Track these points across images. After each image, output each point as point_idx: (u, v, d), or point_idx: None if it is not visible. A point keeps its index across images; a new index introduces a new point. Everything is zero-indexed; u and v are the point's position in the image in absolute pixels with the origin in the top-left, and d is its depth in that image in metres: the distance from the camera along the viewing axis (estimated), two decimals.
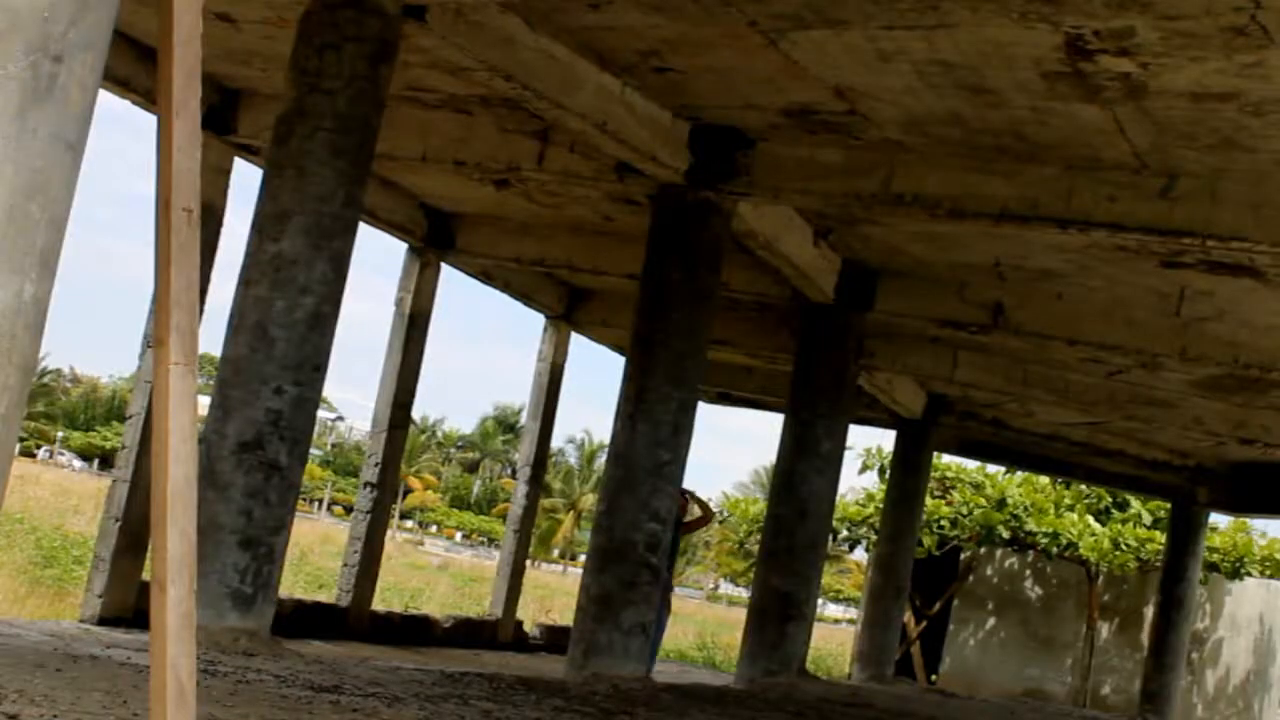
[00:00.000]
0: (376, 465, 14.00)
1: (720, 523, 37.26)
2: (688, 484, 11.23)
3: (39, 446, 57.95)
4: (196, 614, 2.98)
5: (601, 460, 48.61)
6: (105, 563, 10.88)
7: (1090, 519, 22.68)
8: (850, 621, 52.18)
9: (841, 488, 16.96)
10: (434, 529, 65.39)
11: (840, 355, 12.83)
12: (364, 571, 13.88)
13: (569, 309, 16.33)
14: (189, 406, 2.91)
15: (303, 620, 12.73)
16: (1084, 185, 8.85)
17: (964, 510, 23.00)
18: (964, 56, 7.42)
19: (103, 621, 10.43)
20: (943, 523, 23.01)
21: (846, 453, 13.86)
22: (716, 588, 65.86)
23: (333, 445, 79.19)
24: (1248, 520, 23.10)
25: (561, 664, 10.68)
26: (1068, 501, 23.39)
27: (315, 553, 32.05)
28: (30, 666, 5.58)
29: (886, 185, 9.40)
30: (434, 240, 13.85)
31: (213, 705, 5.11)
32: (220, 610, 7.38)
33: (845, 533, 24.84)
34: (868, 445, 22.75)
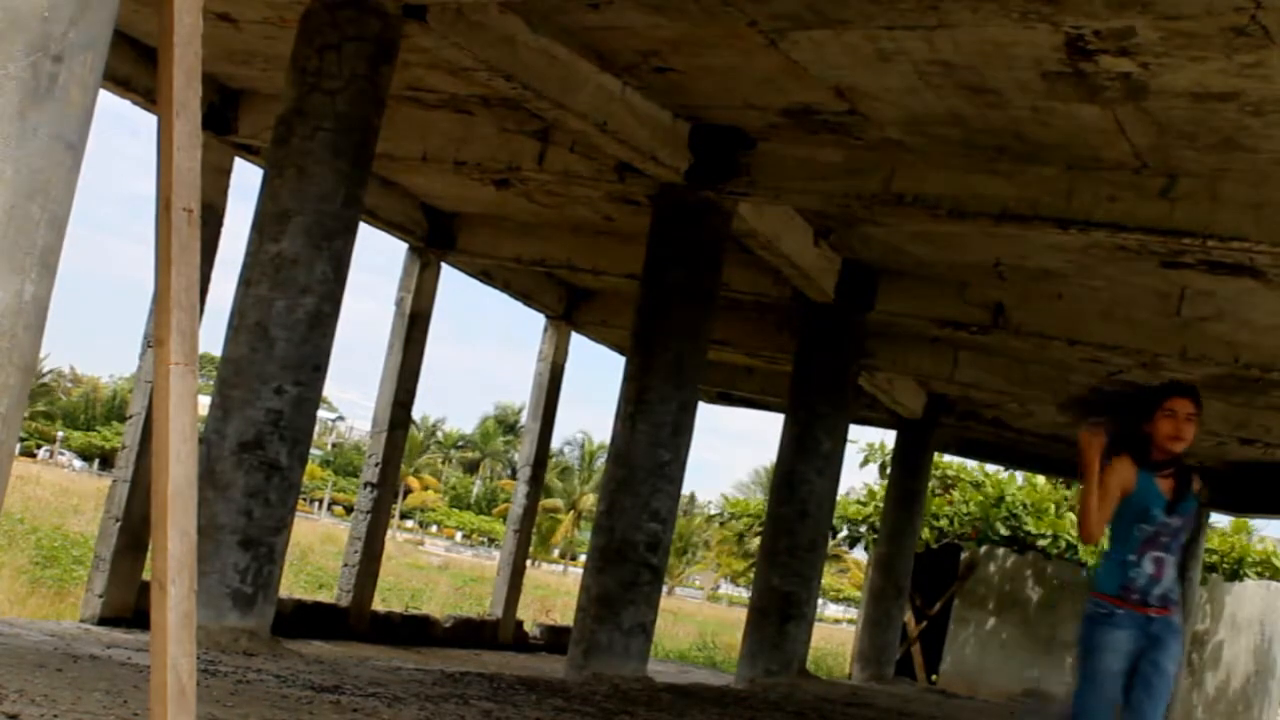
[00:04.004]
0: (377, 465, 14.00)
1: (721, 524, 37.32)
2: (687, 485, 11.24)
3: (39, 446, 57.93)
4: (197, 614, 2.98)
5: (601, 460, 48.64)
6: (105, 563, 10.88)
7: None
8: (850, 621, 52.19)
9: (842, 484, 16.98)
10: (434, 529, 65.37)
11: (840, 355, 12.83)
12: (364, 571, 13.88)
13: (569, 309, 16.32)
14: (189, 406, 2.92)
15: (303, 620, 12.73)
16: (1084, 185, 8.84)
17: (964, 508, 23.01)
18: (964, 56, 7.42)
19: (103, 621, 10.43)
20: (941, 520, 23.03)
21: (848, 447, 13.86)
22: (717, 588, 65.89)
23: (333, 445, 79.20)
24: (1248, 521, 23.10)
25: (562, 664, 10.68)
26: (1069, 501, 23.38)
27: (315, 553, 32.04)
28: (31, 666, 5.58)
29: (887, 185, 9.40)
30: (434, 240, 13.85)
31: (213, 705, 5.11)
32: (220, 610, 7.38)
33: (845, 531, 24.85)
34: (870, 440, 22.75)
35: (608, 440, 10.50)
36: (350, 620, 13.63)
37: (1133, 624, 5.06)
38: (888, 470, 19.59)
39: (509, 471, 69.93)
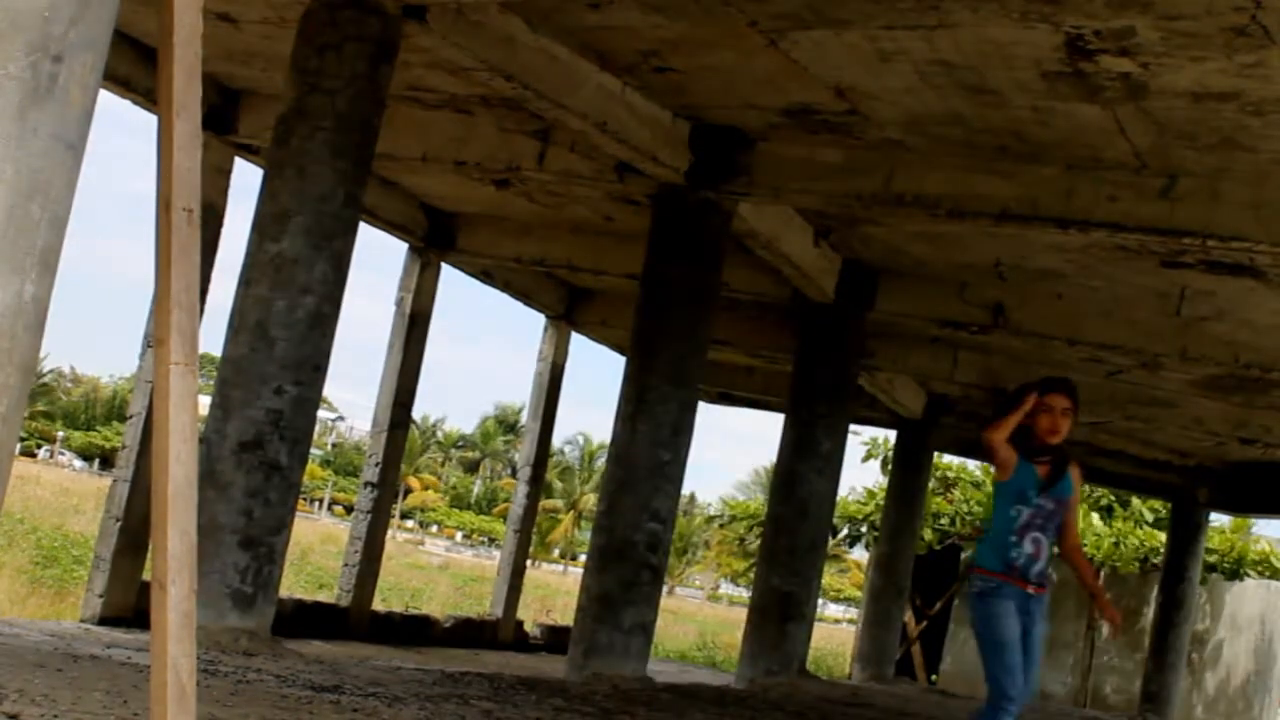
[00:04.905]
0: (377, 465, 14.00)
1: (721, 526, 37.35)
2: (687, 485, 11.23)
3: (39, 446, 57.92)
4: (197, 614, 2.98)
5: (601, 460, 48.62)
6: (106, 563, 10.89)
7: (1095, 516, 22.68)
8: (850, 621, 52.18)
9: (842, 484, 16.96)
10: (434, 529, 65.35)
11: (840, 355, 12.83)
12: (364, 571, 13.88)
13: (569, 309, 16.33)
14: (189, 406, 2.92)
15: (303, 620, 12.73)
16: (1084, 185, 8.84)
17: (964, 508, 23.01)
18: (964, 56, 7.42)
19: (103, 621, 10.43)
20: (943, 520, 23.03)
21: (850, 441, 13.85)
22: (717, 588, 65.87)
23: (333, 445, 79.17)
24: (1248, 520, 23.10)
25: (562, 664, 10.68)
26: None
27: (316, 552, 32.04)
28: (31, 666, 5.58)
29: (887, 185, 9.39)
30: (434, 240, 13.86)
31: (213, 705, 5.11)
32: (221, 610, 7.38)
33: (845, 530, 24.87)
34: (873, 435, 22.80)
35: (608, 440, 10.51)
36: (350, 620, 13.63)
37: (1015, 597, 5.54)
38: (889, 466, 19.59)
39: (509, 471, 69.92)
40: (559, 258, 13.64)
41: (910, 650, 23.31)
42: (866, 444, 22.48)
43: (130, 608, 10.80)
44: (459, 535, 65.19)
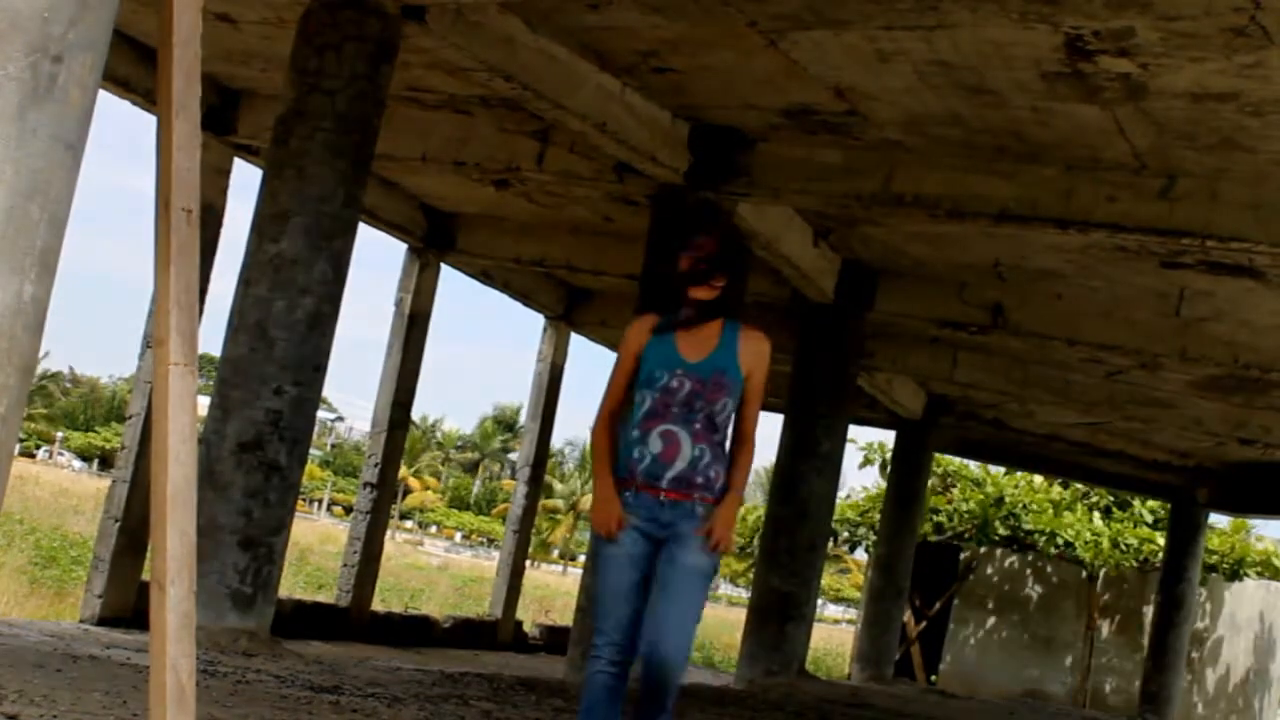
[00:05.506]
0: (376, 465, 14.00)
1: None
2: None
3: (39, 447, 57.91)
4: (196, 614, 2.98)
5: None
6: (105, 563, 10.88)
7: (1097, 516, 22.68)
8: (850, 621, 52.19)
9: (842, 488, 16.97)
10: (434, 529, 65.35)
11: (840, 355, 12.83)
12: (364, 571, 13.88)
13: (569, 309, 16.33)
14: (189, 407, 2.92)
15: (303, 620, 12.73)
16: (1084, 185, 8.84)
17: (962, 506, 23.04)
18: (964, 57, 7.42)
19: (102, 622, 10.43)
20: (940, 516, 23.06)
21: (847, 447, 13.85)
22: (716, 588, 65.90)
23: (332, 445, 79.19)
24: (1248, 521, 23.11)
25: (561, 664, 10.68)
26: (1066, 500, 23.39)
27: (315, 553, 32.04)
28: (30, 666, 5.58)
29: (886, 185, 9.39)
30: (434, 240, 13.86)
31: (212, 705, 5.11)
32: (220, 610, 7.38)
33: (845, 534, 24.88)
34: (870, 440, 22.78)
35: None
36: (350, 620, 13.63)
37: (642, 508, 4.19)
38: (888, 469, 19.60)
39: (508, 472, 69.91)
40: (558, 258, 13.64)
41: (910, 650, 23.32)
42: (863, 449, 22.48)
43: (130, 608, 10.79)
44: (458, 536, 65.19)
